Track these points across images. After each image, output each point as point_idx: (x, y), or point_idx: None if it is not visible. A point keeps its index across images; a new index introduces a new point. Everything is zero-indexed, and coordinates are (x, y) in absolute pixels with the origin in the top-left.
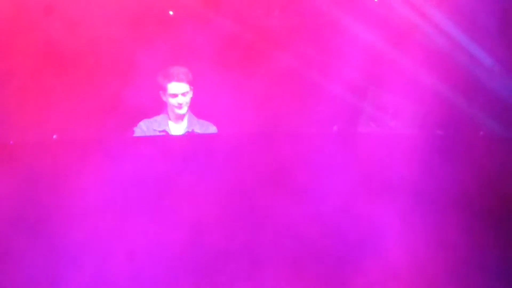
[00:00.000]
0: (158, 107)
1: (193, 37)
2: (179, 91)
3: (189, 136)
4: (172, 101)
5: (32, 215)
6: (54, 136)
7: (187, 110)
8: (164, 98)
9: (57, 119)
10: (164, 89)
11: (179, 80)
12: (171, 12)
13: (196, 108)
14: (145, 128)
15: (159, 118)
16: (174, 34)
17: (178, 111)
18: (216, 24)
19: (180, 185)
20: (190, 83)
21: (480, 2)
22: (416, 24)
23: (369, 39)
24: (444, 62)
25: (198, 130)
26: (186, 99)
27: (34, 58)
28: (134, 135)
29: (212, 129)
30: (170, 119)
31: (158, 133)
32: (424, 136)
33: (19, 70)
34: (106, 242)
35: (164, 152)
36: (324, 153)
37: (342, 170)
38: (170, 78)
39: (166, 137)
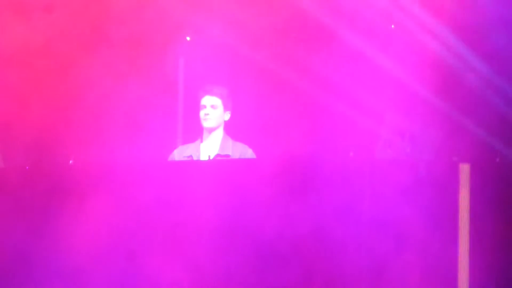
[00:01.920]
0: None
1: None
2: (208, 103)
3: (213, 161)
4: (201, 113)
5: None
6: (71, 161)
7: (219, 129)
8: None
9: (76, 143)
10: (199, 104)
11: (212, 94)
12: (188, 38)
13: (232, 130)
14: (176, 154)
15: (192, 144)
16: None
17: (205, 123)
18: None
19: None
20: (224, 101)
21: (497, 29)
22: (435, 51)
23: (387, 65)
24: (461, 89)
25: (231, 153)
26: (215, 113)
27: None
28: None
29: (248, 152)
30: (202, 141)
31: (185, 159)
32: (440, 162)
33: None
34: (122, 266)
35: (171, 178)
36: (340, 179)
37: (358, 195)
38: (204, 92)
39: (182, 163)
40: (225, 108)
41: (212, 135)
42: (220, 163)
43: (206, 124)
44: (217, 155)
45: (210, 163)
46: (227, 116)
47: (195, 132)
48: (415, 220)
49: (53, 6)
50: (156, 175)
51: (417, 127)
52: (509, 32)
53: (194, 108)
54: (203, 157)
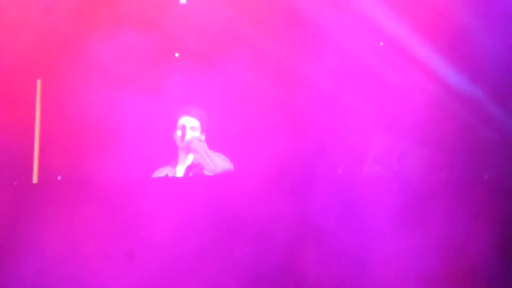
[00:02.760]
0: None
1: (203, 79)
2: (187, 124)
3: (184, 178)
4: (178, 133)
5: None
6: (59, 177)
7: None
8: (175, 138)
9: (61, 160)
10: (175, 125)
11: (191, 115)
12: (176, 54)
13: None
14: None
15: (169, 166)
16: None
17: (181, 144)
18: (223, 65)
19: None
20: (202, 123)
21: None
22: (424, 69)
23: (375, 82)
24: (449, 106)
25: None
26: (193, 135)
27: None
28: None
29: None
30: (178, 162)
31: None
32: (428, 180)
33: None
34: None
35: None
36: (329, 195)
37: (346, 213)
38: (183, 113)
39: (160, 179)
40: (202, 130)
41: (188, 156)
42: (200, 179)
43: (182, 144)
44: (192, 163)
45: (186, 179)
46: (202, 137)
47: (171, 153)
48: (402, 238)
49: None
50: (138, 193)
51: (405, 144)
52: (500, 57)
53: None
54: (179, 175)
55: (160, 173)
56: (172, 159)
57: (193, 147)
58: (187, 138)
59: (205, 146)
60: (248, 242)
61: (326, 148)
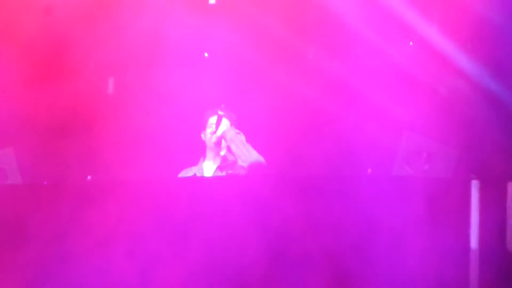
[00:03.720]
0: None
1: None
2: (216, 121)
3: (214, 177)
4: (208, 131)
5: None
6: (88, 177)
7: (223, 151)
8: (203, 137)
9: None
10: (206, 124)
11: (220, 115)
12: (206, 54)
13: None
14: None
15: (196, 166)
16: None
17: (213, 138)
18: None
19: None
20: (232, 122)
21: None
22: (449, 68)
23: (403, 82)
24: (478, 106)
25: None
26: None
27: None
28: None
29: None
30: (204, 160)
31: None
32: (459, 180)
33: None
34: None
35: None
36: (358, 196)
37: (377, 213)
38: (213, 113)
39: (185, 179)
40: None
41: (218, 155)
42: (229, 178)
43: (212, 140)
44: (221, 162)
45: (216, 179)
46: None
47: (198, 155)
48: (431, 238)
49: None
50: (164, 192)
51: (435, 144)
52: None
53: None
54: (207, 175)
55: (187, 173)
56: (198, 159)
57: (230, 137)
58: (220, 131)
59: (242, 137)
60: (283, 240)
61: (356, 148)
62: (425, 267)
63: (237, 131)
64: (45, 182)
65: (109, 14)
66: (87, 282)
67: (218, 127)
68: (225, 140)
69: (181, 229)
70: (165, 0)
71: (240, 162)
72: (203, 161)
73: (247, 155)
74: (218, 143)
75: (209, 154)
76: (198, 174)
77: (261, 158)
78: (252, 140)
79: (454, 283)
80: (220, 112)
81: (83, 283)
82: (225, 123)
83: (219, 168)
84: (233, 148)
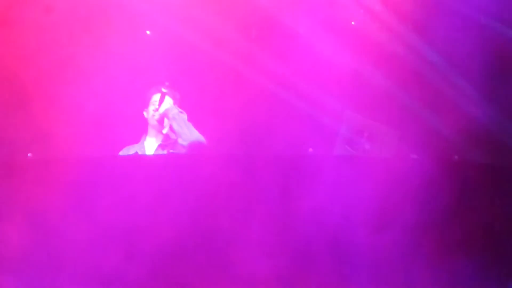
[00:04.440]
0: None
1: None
2: (159, 98)
3: (156, 155)
4: (150, 108)
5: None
6: (29, 154)
7: (165, 129)
8: (146, 115)
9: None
10: (149, 101)
11: (166, 93)
12: (148, 32)
13: None
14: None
15: (137, 144)
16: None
17: (152, 120)
18: (193, 45)
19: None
20: (175, 100)
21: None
22: (391, 46)
23: (345, 61)
24: (419, 85)
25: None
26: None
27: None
28: None
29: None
30: (146, 139)
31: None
32: (399, 160)
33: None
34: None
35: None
36: (299, 175)
37: (316, 192)
38: (157, 90)
39: (126, 157)
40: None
41: (159, 133)
42: (165, 157)
43: (158, 114)
44: (163, 141)
45: (156, 157)
46: None
47: (140, 132)
48: (373, 218)
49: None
50: (106, 170)
51: (376, 124)
52: (472, 33)
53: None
54: (148, 152)
55: (129, 150)
56: (140, 137)
57: (172, 115)
58: (162, 108)
59: (184, 115)
60: (220, 219)
61: (296, 127)
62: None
63: (180, 110)
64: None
65: None
66: None
67: (161, 105)
68: (167, 118)
69: (120, 207)
70: None
71: (180, 141)
72: (145, 139)
73: (188, 134)
74: (160, 121)
75: (151, 131)
76: (139, 152)
77: (202, 138)
78: (195, 119)
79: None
80: (163, 90)
81: None
82: (168, 101)
83: (161, 146)
84: (175, 126)
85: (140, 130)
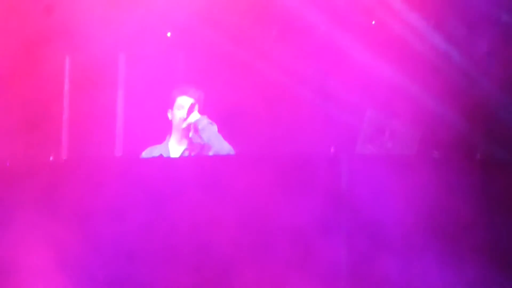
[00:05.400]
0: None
1: (197, 59)
2: (185, 104)
3: (185, 157)
4: (177, 113)
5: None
6: (51, 158)
7: (191, 132)
8: (170, 116)
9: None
10: (173, 103)
11: (190, 95)
12: (168, 34)
13: None
14: (144, 156)
15: (160, 145)
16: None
17: (182, 125)
18: (216, 46)
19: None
20: (200, 104)
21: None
22: (415, 46)
23: (367, 61)
24: (441, 83)
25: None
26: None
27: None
28: None
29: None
30: (170, 141)
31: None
32: (421, 158)
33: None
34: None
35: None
36: (322, 174)
37: (340, 191)
38: (181, 92)
39: (155, 159)
40: (200, 110)
41: (186, 136)
42: (196, 159)
43: (183, 125)
44: (188, 144)
45: (185, 159)
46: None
47: (162, 132)
48: (397, 216)
49: None
50: (133, 173)
51: (397, 122)
52: (493, 31)
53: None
54: (173, 155)
55: (152, 151)
56: (162, 137)
57: (202, 126)
58: (192, 118)
59: (214, 127)
60: (248, 226)
61: (318, 127)
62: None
63: (210, 121)
64: (7, 163)
65: None
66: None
67: (190, 115)
68: (197, 129)
69: (150, 210)
70: None
71: (211, 153)
72: (169, 140)
73: (218, 146)
74: (187, 128)
75: (176, 134)
76: (164, 155)
77: (232, 150)
78: (217, 120)
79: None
80: (190, 99)
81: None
82: (196, 110)
83: (187, 150)
84: (204, 137)
85: (161, 130)
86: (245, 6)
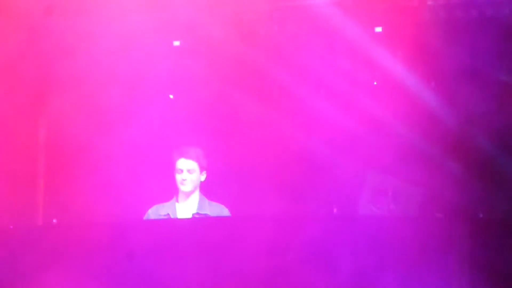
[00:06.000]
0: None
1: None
2: (185, 167)
3: (191, 219)
4: (178, 177)
5: None
6: (54, 220)
7: (195, 191)
8: (176, 180)
9: (59, 203)
10: (174, 166)
11: (187, 157)
12: (171, 96)
13: (208, 191)
14: (151, 214)
15: (168, 203)
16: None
17: (182, 187)
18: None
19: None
20: (200, 163)
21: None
22: (415, 104)
23: (369, 121)
24: (445, 144)
25: (208, 213)
26: (192, 177)
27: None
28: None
29: (224, 211)
30: (178, 201)
31: (162, 217)
32: (424, 220)
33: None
34: None
35: (160, 236)
36: (324, 235)
37: (342, 252)
38: (179, 155)
39: (164, 221)
40: (201, 169)
41: (189, 196)
42: (201, 221)
43: (184, 188)
44: (196, 213)
45: (192, 221)
46: (203, 177)
47: (166, 190)
48: (398, 278)
49: None
50: (137, 234)
51: (400, 183)
52: (493, 89)
53: (166, 166)
54: (180, 216)
55: (159, 210)
56: (165, 193)
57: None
58: (188, 185)
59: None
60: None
61: (320, 187)
62: None
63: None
64: (11, 226)
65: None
66: None
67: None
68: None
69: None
70: (130, 43)
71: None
72: (176, 200)
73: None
74: (191, 191)
75: (182, 195)
76: (171, 215)
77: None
78: (222, 179)
79: None
80: (189, 163)
81: None
82: (188, 171)
83: (197, 214)
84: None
85: (166, 187)
86: (242, 74)
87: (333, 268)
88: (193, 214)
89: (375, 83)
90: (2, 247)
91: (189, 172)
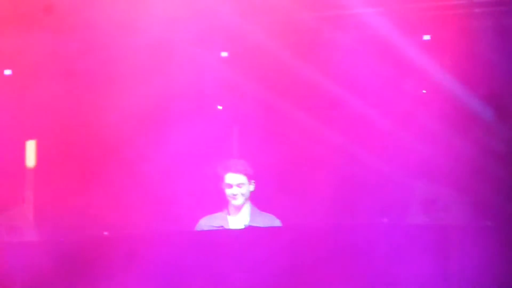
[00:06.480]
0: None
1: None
2: (234, 182)
3: (246, 230)
4: (228, 191)
5: None
6: (105, 233)
7: (246, 203)
8: (226, 193)
9: (110, 215)
10: (222, 181)
11: (235, 171)
12: (220, 107)
13: (259, 202)
14: (203, 225)
15: (219, 214)
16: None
17: (233, 202)
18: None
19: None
20: (248, 175)
21: None
22: (465, 113)
23: (419, 130)
24: (495, 151)
25: (260, 224)
26: (242, 191)
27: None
28: None
29: (276, 222)
30: (229, 214)
31: (215, 229)
32: (474, 228)
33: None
34: None
35: (215, 246)
36: (375, 245)
37: (394, 262)
38: (226, 169)
39: (220, 232)
40: (250, 180)
41: (240, 209)
42: (256, 231)
43: (235, 202)
44: (248, 224)
45: (247, 231)
46: (252, 186)
47: (214, 200)
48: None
49: None
50: (192, 245)
51: (450, 192)
52: None
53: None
54: (233, 227)
55: (211, 221)
56: (214, 203)
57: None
58: (239, 199)
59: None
60: None
61: (371, 197)
62: None
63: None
64: (61, 239)
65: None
66: None
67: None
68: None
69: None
70: (178, 54)
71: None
72: (228, 214)
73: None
74: (242, 205)
75: (233, 208)
76: (225, 226)
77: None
78: (258, 191)
79: None
80: (238, 177)
81: None
82: (237, 185)
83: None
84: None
85: (215, 198)
86: (289, 85)
87: (393, 274)
88: (245, 226)
89: (424, 91)
90: (68, 259)
91: (238, 186)
